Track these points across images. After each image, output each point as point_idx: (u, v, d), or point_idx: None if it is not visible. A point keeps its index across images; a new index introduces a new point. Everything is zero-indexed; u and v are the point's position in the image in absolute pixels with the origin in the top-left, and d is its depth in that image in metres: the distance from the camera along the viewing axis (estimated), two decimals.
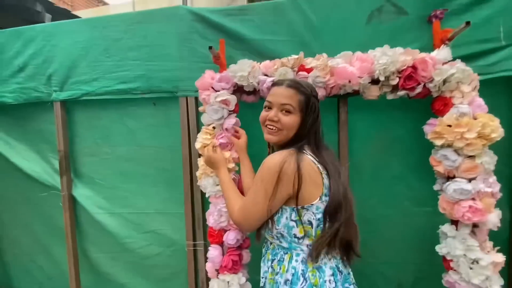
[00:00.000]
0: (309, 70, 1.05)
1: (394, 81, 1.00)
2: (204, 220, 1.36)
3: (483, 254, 0.93)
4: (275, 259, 0.81)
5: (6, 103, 1.52)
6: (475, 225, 0.97)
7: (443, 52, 1.00)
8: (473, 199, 0.93)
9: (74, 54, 1.42)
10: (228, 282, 1.02)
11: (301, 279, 0.74)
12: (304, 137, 0.84)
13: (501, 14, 1.09)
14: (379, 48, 1.03)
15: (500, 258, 0.94)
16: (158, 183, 1.47)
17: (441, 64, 0.98)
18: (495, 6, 1.09)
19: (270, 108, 0.86)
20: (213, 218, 1.07)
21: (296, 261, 0.77)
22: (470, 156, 0.95)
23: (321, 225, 0.76)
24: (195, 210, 1.38)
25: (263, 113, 0.88)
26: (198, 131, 1.31)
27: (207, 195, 1.12)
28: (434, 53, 1.00)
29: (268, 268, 0.82)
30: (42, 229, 1.68)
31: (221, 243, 1.09)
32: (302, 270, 0.75)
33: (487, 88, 1.05)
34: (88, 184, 1.54)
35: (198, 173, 1.15)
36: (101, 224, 1.52)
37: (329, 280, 0.74)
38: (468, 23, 0.96)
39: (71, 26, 1.42)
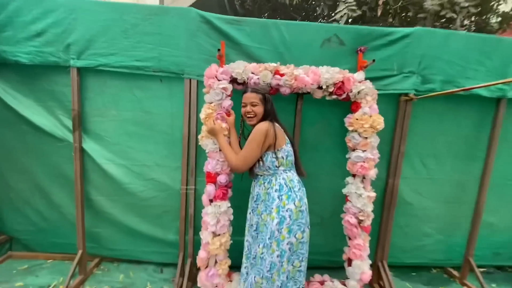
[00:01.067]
0: (282, 75, 1.61)
1: (331, 89, 1.64)
2: (196, 172, 1.88)
3: (365, 192, 1.67)
4: (265, 181, 1.41)
5: (20, 62, 1.73)
6: (364, 177, 1.71)
7: (360, 75, 1.67)
8: (364, 162, 1.66)
9: (93, 29, 1.70)
10: (219, 206, 1.58)
11: (284, 186, 1.37)
12: (267, 117, 1.43)
13: (396, 55, 1.81)
14: (325, 67, 1.65)
15: (373, 194, 1.70)
16: (158, 142, 1.90)
17: (358, 82, 1.65)
18: (393, 49, 1.79)
19: (245, 105, 1.46)
20: (211, 166, 1.60)
21: (277, 179, 1.38)
22: (365, 138, 1.66)
23: (289, 158, 1.40)
24: (190, 163, 1.88)
25: (243, 109, 1.48)
26: (197, 105, 1.79)
27: (207, 151, 1.63)
28: (355, 75, 1.66)
29: (261, 189, 1.42)
30: (43, 177, 1.96)
31: (214, 183, 1.63)
32: (284, 180, 1.38)
33: (383, 99, 1.78)
34: (96, 140, 1.89)
35: (200, 136, 1.64)
36: (106, 172, 1.90)
37: (297, 182, 1.42)
38: (374, 60, 1.64)
39: (92, 6, 1.69)
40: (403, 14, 3.75)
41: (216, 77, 1.58)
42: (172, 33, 1.72)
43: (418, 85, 1.84)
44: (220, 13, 1.76)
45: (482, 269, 2.28)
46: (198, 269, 1.71)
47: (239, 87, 1.69)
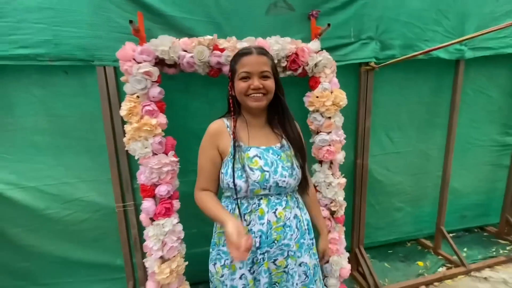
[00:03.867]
0: (222, 50, 1.29)
1: (284, 64, 1.36)
2: (132, 182, 1.51)
3: (335, 179, 1.47)
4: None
5: None
6: (331, 162, 1.50)
7: (315, 44, 1.41)
8: (329, 145, 1.44)
9: None
10: (162, 224, 1.25)
11: None
12: (281, 95, 0.94)
13: (352, 19, 1.58)
14: (273, 37, 1.36)
15: (343, 180, 1.50)
16: (79, 152, 1.48)
17: (314, 52, 1.40)
18: (348, 13, 1.56)
19: (247, 78, 0.88)
20: (144, 176, 1.25)
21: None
22: (328, 117, 1.43)
23: None
24: (122, 174, 1.49)
25: (243, 84, 0.88)
26: (119, 99, 1.40)
27: (136, 157, 1.27)
28: (309, 44, 1.40)
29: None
30: None
31: (153, 196, 1.29)
32: None
33: (341, 71, 1.55)
34: None
35: (125, 139, 1.26)
36: (12, 200, 1.44)
37: None
38: (329, 24, 1.39)
39: None
40: None
41: (134, 59, 1.21)
42: (70, 6, 1.28)
43: (377, 52, 1.65)
44: None
45: (451, 234, 2.29)
46: None
47: (170, 70, 1.33)
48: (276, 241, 0.87)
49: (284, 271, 0.90)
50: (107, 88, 1.38)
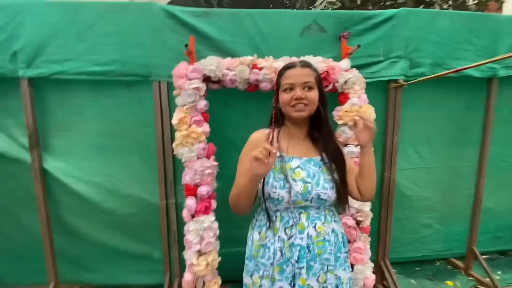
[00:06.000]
0: (260, 68, 1.46)
1: None
2: (175, 183, 1.71)
3: None
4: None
5: None
6: None
7: (345, 63, 1.53)
8: (357, 157, 1.52)
9: (42, 34, 1.50)
10: (202, 220, 1.41)
11: None
12: (323, 106, 0.95)
13: (382, 39, 1.68)
14: (307, 56, 1.50)
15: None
16: (132, 154, 1.71)
17: (344, 70, 1.52)
18: (378, 33, 1.67)
19: (291, 89, 0.91)
20: (189, 177, 1.43)
21: None
22: None
23: None
24: (167, 175, 1.70)
25: (286, 96, 0.91)
26: (169, 110, 1.62)
27: (183, 160, 1.45)
28: (340, 63, 1.53)
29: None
30: (9, 202, 1.74)
31: (195, 195, 1.46)
32: None
33: (371, 87, 1.65)
34: (61, 157, 1.68)
35: (174, 144, 1.46)
36: (76, 192, 1.69)
37: None
38: (359, 45, 1.51)
39: (39, 7, 1.48)
40: (382, 3, 3.69)
41: (186, 76, 1.41)
42: (134, 31, 1.54)
43: (406, 70, 1.72)
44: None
45: (484, 256, 2.20)
46: None
47: (214, 86, 1.53)
48: (318, 255, 0.89)
49: (323, 287, 0.91)
50: (160, 100, 1.61)
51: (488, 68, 1.80)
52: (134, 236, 1.85)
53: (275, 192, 0.89)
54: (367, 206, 1.56)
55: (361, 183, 0.96)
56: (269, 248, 0.91)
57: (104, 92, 1.63)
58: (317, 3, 3.36)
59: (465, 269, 2.12)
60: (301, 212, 0.91)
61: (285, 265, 0.89)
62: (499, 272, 2.08)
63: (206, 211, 1.43)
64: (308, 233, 0.89)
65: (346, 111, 1.51)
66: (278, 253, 0.89)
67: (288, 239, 0.89)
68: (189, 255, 1.43)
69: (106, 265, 1.92)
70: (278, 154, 0.91)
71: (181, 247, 1.71)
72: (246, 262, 0.99)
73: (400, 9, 1.67)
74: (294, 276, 0.89)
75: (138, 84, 1.62)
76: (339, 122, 1.55)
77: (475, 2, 4.48)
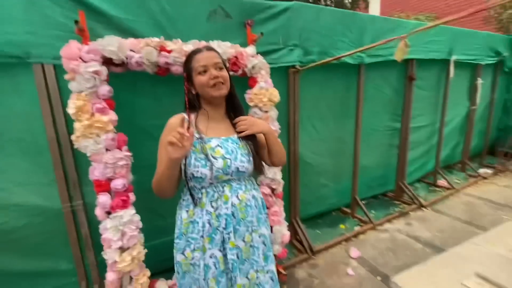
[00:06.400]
0: (169, 51, 1.41)
1: (226, 65, 1.56)
2: (79, 182, 1.50)
3: None
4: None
5: None
6: None
7: (251, 49, 1.66)
8: None
9: None
10: (120, 215, 1.32)
11: None
12: (232, 88, 1.04)
13: (280, 29, 1.89)
14: (216, 41, 1.55)
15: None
16: (14, 154, 1.39)
17: (251, 56, 1.64)
18: (276, 23, 1.86)
19: (205, 71, 0.97)
20: (98, 172, 1.29)
21: None
22: (265, 111, 1.71)
23: None
24: (69, 174, 1.47)
25: (203, 78, 0.97)
26: (61, 97, 1.38)
27: (88, 154, 1.29)
28: (247, 49, 1.64)
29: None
30: None
31: (108, 191, 1.34)
32: None
33: (274, 72, 1.85)
34: None
35: (74, 137, 1.27)
36: None
37: None
38: (262, 33, 1.66)
39: None
40: None
41: (81, 58, 1.23)
42: (2, 1, 1.20)
43: (301, 57, 2.01)
44: None
45: (364, 202, 2.90)
46: None
47: (117, 69, 1.39)
48: (242, 219, 1.00)
49: (251, 245, 1.04)
50: (46, 86, 1.34)
51: (357, 56, 2.30)
52: (29, 252, 1.56)
53: (197, 171, 0.95)
54: (279, 175, 1.80)
55: (272, 159, 1.13)
56: (198, 222, 0.98)
57: None
58: None
59: (351, 213, 2.76)
60: (224, 185, 1.00)
61: (214, 234, 0.97)
62: (373, 211, 2.80)
63: (124, 205, 1.34)
64: (232, 202, 1.00)
65: (256, 94, 1.66)
66: (207, 225, 0.97)
67: (215, 210, 0.98)
68: (111, 254, 1.32)
69: None
70: (197, 136, 0.98)
71: (97, 250, 1.56)
72: (176, 241, 1.03)
73: (293, 2, 1.90)
74: (223, 241, 0.99)
75: (13, 68, 1.30)
76: (251, 104, 1.69)
77: (350, 0, 5.47)
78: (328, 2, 4.21)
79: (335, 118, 2.48)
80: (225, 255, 1.00)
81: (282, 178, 1.86)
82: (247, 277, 1.03)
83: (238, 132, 1.04)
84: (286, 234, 1.82)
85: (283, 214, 1.86)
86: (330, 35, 2.13)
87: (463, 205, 2.93)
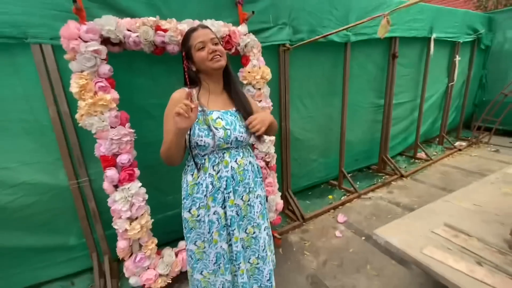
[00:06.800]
0: (165, 30, 1.46)
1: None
2: (84, 159, 1.58)
3: (267, 137, 1.88)
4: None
5: None
6: None
7: (243, 28, 1.72)
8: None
9: None
10: (128, 188, 1.42)
11: None
12: (228, 63, 1.12)
13: (270, 7, 1.94)
14: (210, 20, 1.60)
15: (273, 137, 1.94)
16: (18, 135, 1.44)
17: (243, 35, 1.71)
18: (267, 1, 1.91)
19: (203, 48, 1.06)
20: (104, 148, 1.37)
21: None
22: (259, 89, 1.80)
23: None
24: (73, 152, 1.54)
25: (202, 53, 1.05)
26: (61, 77, 1.42)
27: (93, 131, 1.35)
28: (239, 28, 1.70)
29: None
30: None
31: (114, 166, 1.42)
32: None
33: (265, 51, 1.93)
34: None
35: (78, 115, 1.33)
36: None
37: None
38: (253, 12, 1.71)
39: None
40: None
41: (80, 37, 1.27)
42: None
43: (291, 35, 2.08)
44: None
45: (350, 174, 3.11)
46: (119, 262, 1.56)
47: (114, 49, 1.43)
48: (240, 181, 1.14)
49: (249, 204, 1.18)
50: (45, 66, 1.38)
51: (344, 35, 2.40)
52: (38, 229, 1.65)
53: (201, 140, 1.06)
54: (272, 149, 1.93)
55: (268, 133, 1.23)
56: (201, 184, 1.10)
57: None
58: None
59: (338, 185, 2.97)
60: (224, 152, 1.12)
61: (216, 194, 1.10)
62: (358, 183, 3.02)
63: (130, 178, 1.44)
64: (231, 166, 1.12)
65: (249, 72, 1.74)
66: (210, 186, 1.09)
67: (217, 173, 1.11)
68: (121, 224, 1.44)
69: (9, 270, 1.65)
70: (200, 109, 1.08)
71: (105, 224, 1.67)
72: (184, 201, 1.15)
73: None
74: (224, 200, 1.13)
75: (10, 48, 1.32)
76: (244, 81, 1.78)
77: None
78: None
79: (323, 95, 2.60)
80: (226, 212, 1.13)
81: (275, 153, 1.99)
82: (245, 232, 1.18)
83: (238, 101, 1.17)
84: (280, 203, 1.98)
85: (277, 185, 2.01)
86: (318, 13, 2.20)
87: (439, 174, 3.20)
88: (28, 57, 1.35)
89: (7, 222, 1.54)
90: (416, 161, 3.62)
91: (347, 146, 2.89)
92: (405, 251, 1.25)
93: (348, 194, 2.81)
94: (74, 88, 1.29)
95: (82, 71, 1.31)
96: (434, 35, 3.20)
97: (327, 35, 1.91)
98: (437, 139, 4.20)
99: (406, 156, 3.76)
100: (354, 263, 1.85)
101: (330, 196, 2.79)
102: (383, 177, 3.18)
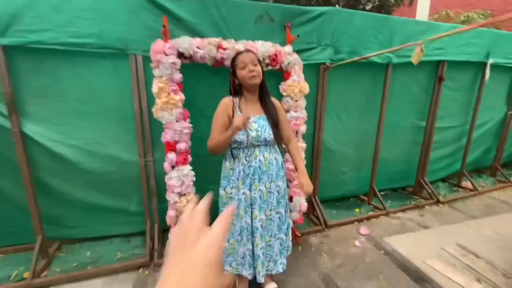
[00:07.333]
0: (224, 49, 1.83)
1: (267, 61, 1.95)
2: (152, 143, 2.03)
3: (299, 143, 2.13)
4: None
5: None
6: (297, 132, 2.15)
7: (288, 48, 2.01)
8: (296, 120, 2.08)
9: (16, 4, 1.56)
10: (182, 169, 1.81)
11: None
12: (264, 80, 1.44)
13: (315, 31, 2.20)
14: (260, 41, 1.94)
15: (304, 144, 2.17)
16: (110, 119, 1.95)
17: (288, 54, 2.00)
18: (312, 26, 2.18)
19: (244, 67, 1.36)
20: (169, 136, 1.78)
21: None
22: (296, 100, 2.07)
23: None
24: (145, 136, 2.00)
25: (243, 72, 1.37)
26: (145, 80, 1.89)
27: (163, 122, 1.78)
28: (285, 48, 2.00)
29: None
30: None
31: (174, 151, 1.83)
32: None
33: (307, 67, 2.19)
34: (39, 122, 1.81)
35: (154, 109, 1.77)
36: (57, 154, 1.87)
37: None
38: (298, 36, 2.00)
39: None
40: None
41: (164, 52, 1.71)
42: (112, 9, 1.72)
43: (332, 55, 2.31)
44: None
45: (382, 193, 3.13)
46: (164, 232, 1.95)
47: (186, 61, 1.85)
48: (265, 171, 1.45)
49: (269, 191, 1.48)
50: (136, 71, 1.86)
51: (386, 57, 2.52)
52: (112, 193, 2.14)
53: (239, 137, 1.40)
54: (303, 155, 2.16)
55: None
56: (235, 169, 1.43)
57: (81, 62, 1.80)
58: None
59: (368, 201, 3.02)
60: (256, 148, 1.45)
61: (245, 179, 1.41)
62: (389, 202, 3.03)
63: (184, 162, 1.83)
64: (259, 159, 1.44)
65: (289, 85, 2.02)
66: (242, 172, 1.41)
67: (248, 163, 1.43)
68: (172, 197, 1.83)
69: (85, 221, 2.17)
70: (239, 113, 1.40)
71: (159, 198, 2.09)
72: (221, 181, 1.51)
73: (329, 8, 2.20)
74: (251, 184, 1.44)
75: (115, 56, 1.83)
76: (284, 93, 2.07)
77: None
78: (369, 4, 4.33)
79: (360, 111, 2.74)
80: (252, 194, 1.45)
81: (306, 160, 2.21)
82: (264, 214, 1.46)
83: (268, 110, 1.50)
84: (304, 204, 2.19)
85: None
86: (361, 36, 2.39)
87: (483, 205, 3.01)
88: (126, 63, 1.85)
89: (94, 183, 2.05)
90: (460, 189, 3.44)
91: (382, 164, 2.94)
92: (408, 259, 1.38)
93: (376, 210, 2.86)
94: (154, 89, 1.73)
95: (161, 77, 1.74)
96: (491, 60, 3.07)
97: (368, 57, 2.09)
98: (490, 170, 3.89)
99: (449, 183, 3.59)
100: (367, 271, 1.95)
101: (357, 210, 2.87)
102: (417, 200, 3.12)
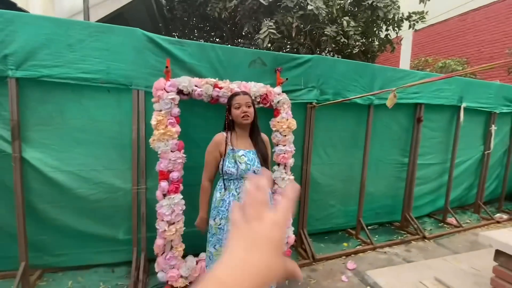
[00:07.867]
0: (220, 88, 2.02)
1: (258, 100, 2.14)
2: (146, 172, 2.11)
3: (287, 175, 2.24)
4: None
5: None
6: (285, 165, 2.28)
7: (278, 89, 2.23)
8: (284, 153, 2.22)
9: (35, 42, 1.75)
10: (173, 198, 1.87)
11: None
12: (256, 119, 1.62)
13: (302, 74, 2.45)
14: (253, 82, 2.15)
15: (292, 177, 2.28)
16: (107, 147, 2.05)
17: (277, 94, 2.21)
18: (300, 70, 2.43)
19: (239, 107, 1.54)
20: (163, 165, 1.88)
21: None
22: (284, 135, 2.23)
23: None
24: (139, 165, 2.09)
25: (237, 111, 1.54)
26: (145, 113, 2.04)
27: (159, 152, 1.89)
28: (275, 89, 2.21)
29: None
30: None
31: (167, 179, 1.91)
32: None
33: (295, 106, 2.39)
34: (39, 148, 1.90)
35: (151, 140, 1.89)
36: (52, 180, 1.94)
37: None
38: (287, 79, 2.23)
39: (33, 19, 1.74)
40: (311, 36, 4.69)
41: (165, 89, 1.88)
42: (120, 49, 1.93)
43: (318, 96, 2.54)
44: (149, 17, 2.03)
45: (370, 227, 3.19)
46: (153, 260, 1.95)
47: (184, 97, 2.02)
48: None
49: None
50: (137, 105, 2.01)
51: (367, 99, 2.77)
52: (102, 220, 2.16)
53: (229, 169, 1.51)
54: None
55: None
56: (226, 200, 1.50)
57: (86, 94, 1.95)
58: (261, 31, 4.11)
59: (355, 235, 3.06)
60: (245, 179, 1.54)
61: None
62: (376, 236, 3.08)
63: (176, 191, 1.91)
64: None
65: (278, 122, 2.20)
66: (232, 203, 1.49)
67: (238, 194, 1.51)
68: (162, 225, 1.87)
69: (71, 249, 2.16)
70: (230, 147, 1.53)
71: (148, 227, 2.12)
72: (212, 211, 1.57)
73: (314, 55, 2.48)
74: None
75: (118, 90, 2.00)
76: (273, 128, 2.23)
77: (377, 44, 6.02)
78: (356, 47, 4.81)
79: (346, 147, 2.91)
80: None
81: None
82: None
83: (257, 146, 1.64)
84: (291, 236, 2.24)
85: (291, 220, 2.29)
86: (344, 80, 2.65)
87: (467, 242, 3.08)
88: (128, 97, 2.01)
89: (84, 210, 2.08)
90: (445, 226, 3.52)
91: (368, 198, 3.04)
92: None
93: (363, 244, 2.89)
94: (153, 121, 1.87)
95: (160, 111, 1.89)
96: (464, 104, 3.37)
97: (351, 99, 2.31)
98: (474, 207, 4.01)
99: (435, 219, 3.67)
100: None
101: (345, 244, 2.90)
102: (404, 235, 3.18)
